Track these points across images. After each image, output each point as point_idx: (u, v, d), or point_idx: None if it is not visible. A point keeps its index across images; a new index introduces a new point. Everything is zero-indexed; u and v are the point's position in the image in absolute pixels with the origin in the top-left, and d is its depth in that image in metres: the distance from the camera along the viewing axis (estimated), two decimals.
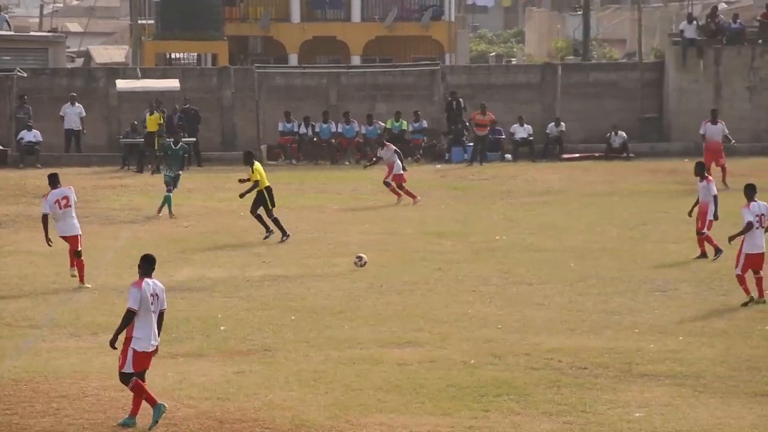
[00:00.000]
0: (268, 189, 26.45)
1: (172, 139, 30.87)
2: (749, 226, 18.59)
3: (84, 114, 41.42)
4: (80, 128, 41.45)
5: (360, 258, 22.45)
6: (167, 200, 29.39)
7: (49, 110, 41.91)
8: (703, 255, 22.44)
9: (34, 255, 24.10)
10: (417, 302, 19.66)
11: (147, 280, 13.69)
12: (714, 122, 34.71)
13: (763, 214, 18.79)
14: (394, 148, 32.34)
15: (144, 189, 34.52)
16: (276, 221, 26.16)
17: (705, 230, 22.34)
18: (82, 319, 18.49)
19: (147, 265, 13.83)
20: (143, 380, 13.34)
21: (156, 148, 38.31)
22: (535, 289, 20.52)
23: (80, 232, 21.50)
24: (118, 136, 41.17)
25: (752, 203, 18.85)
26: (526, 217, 29.01)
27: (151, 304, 13.53)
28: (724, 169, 33.44)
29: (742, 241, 18.68)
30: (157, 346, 13.58)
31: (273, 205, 26.28)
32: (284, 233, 25.98)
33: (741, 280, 18.65)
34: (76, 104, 41.43)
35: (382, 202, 32.11)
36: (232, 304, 19.65)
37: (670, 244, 24.08)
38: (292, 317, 18.57)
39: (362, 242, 25.44)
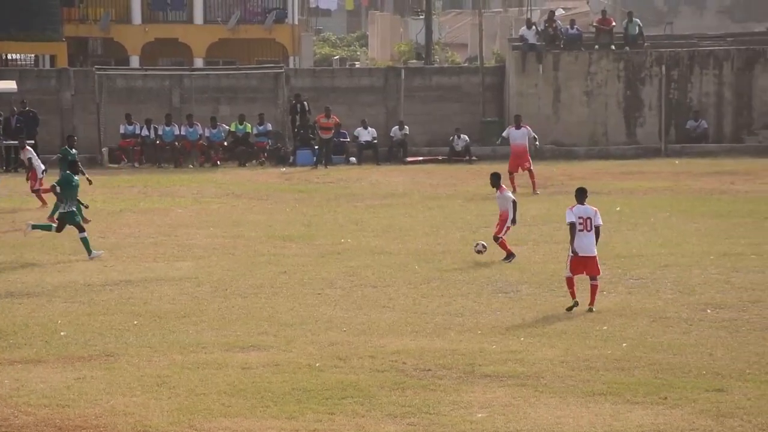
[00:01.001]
0: None
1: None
2: (571, 227, 18.92)
3: None
4: None
5: (480, 246, 23.12)
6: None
7: None
8: (510, 255, 23.01)
9: None
10: (262, 305, 19.59)
11: None
12: (518, 127, 35.31)
13: (589, 218, 19.07)
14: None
15: None
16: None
17: (501, 235, 23.06)
18: None
19: None
20: None
21: None
22: (380, 292, 20.62)
23: None
24: None
25: (577, 206, 19.18)
26: (371, 220, 29.16)
27: None
28: (531, 174, 34.15)
29: (571, 244, 19.01)
30: None
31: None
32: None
33: (569, 283, 18.95)
34: None
35: (227, 206, 31.93)
36: (73, 309, 19.31)
37: (512, 246, 24.44)
38: (135, 322, 18.33)
39: (207, 245, 25.25)
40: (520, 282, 21.16)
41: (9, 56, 54.24)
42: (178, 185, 35.62)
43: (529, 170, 34.20)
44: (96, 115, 42.50)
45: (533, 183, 33.97)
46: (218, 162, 41.69)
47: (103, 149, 41.77)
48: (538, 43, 45.01)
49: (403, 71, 46.02)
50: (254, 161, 41.99)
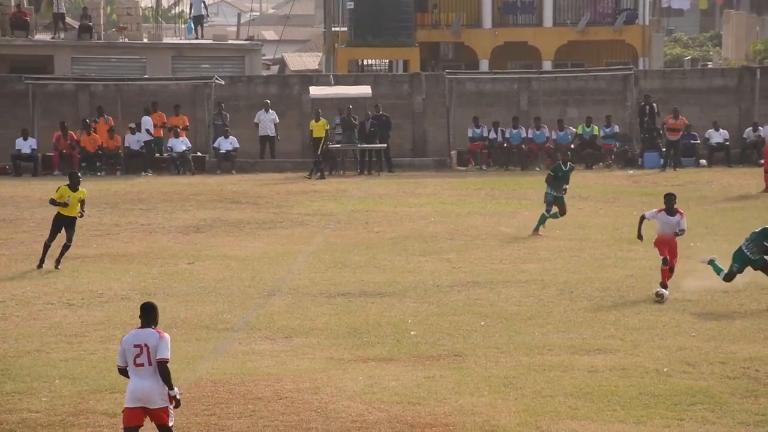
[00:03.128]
0: None
1: (562, 161, 28.25)
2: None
3: (278, 120, 42.20)
4: (274, 134, 42.25)
5: (661, 296, 20.02)
6: (543, 219, 27.56)
7: (245, 117, 42.85)
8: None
9: (231, 259, 24.65)
10: (608, 309, 19.44)
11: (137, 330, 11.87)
12: None
13: None
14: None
15: (336, 195, 34.99)
16: None
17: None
18: (277, 323, 18.83)
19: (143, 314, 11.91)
20: None
21: (319, 153, 38.97)
22: (731, 297, 20.06)
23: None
24: (329, 142, 41.57)
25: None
26: (722, 224, 28.37)
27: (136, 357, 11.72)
28: None
29: None
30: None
31: None
32: None
33: None
34: (270, 111, 42.24)
35: (573, 209, 31.85)
36: (423, 309, 19.74)
37: None
38: (482, 323, 18.56)
39: (553, 248, 25.28)
40: None
41: (365, 62, 56.02)
42: (525, 188, 35.82)
43: None
44: (446, 118, 43.29)
45: None
46: None
47: (452, 152, 42.47)
48: None
49: (758, 71, 44.56)
50: (601, 164, 41.69)
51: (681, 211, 20.99)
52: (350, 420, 13.71)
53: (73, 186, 23.77)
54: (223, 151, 41.61)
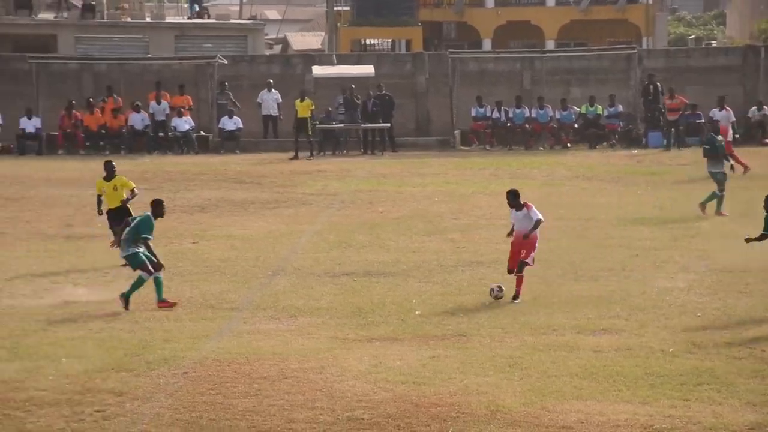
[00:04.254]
0: None
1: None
2: None
3: (281, 100, 42.13)
4: (277, 114, 42.20)
5: (496, 290, 18.69)
6: (713, 197, 26.71)
7: (248, 97, 42.79)
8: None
9: (235, 239, 24.66)
10: (613, 289, 19.44)
11: None
12: None
13: None
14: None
15: (339, 174, 34.97)
16: None
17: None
18: (281, 303, 18.84)
19: None
20: None
21: (310, 133, 38.87)
22: (737, 277, 20.05)
23: None
24: (314, 122, 41.63)
25: None
26: (728, 202, 28.34)
27: None
28: None
29: None
30: None
31: None
32: None
33: None
34: (273, 90, 42.17)
35: (577, 189, 31.82)
36: (427, 289, 19.75)
37: None
38: (487, 303, 18.56)
39: (557, 228, 25.27)
40: None
41: (368, 41, 55.93)
42: (529, 167, 35.79)
43: None
44: (449, 98, 43.22)
45: None
46: (568, 144, 41.60)
47: (455, 132, 42.43)
48: None
49: (762, 50, 44.46)
50: (605, 143, 41.65)
51: (528, 204, 18.94)
52: (355, 399, 13.73)
53: (108, 176, 22.33)
54: (227, 131, 41.59)
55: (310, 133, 39.28)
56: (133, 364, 15.14)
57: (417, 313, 18.05)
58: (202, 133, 42.15)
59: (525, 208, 18.85)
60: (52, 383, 14.35)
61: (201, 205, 29.35)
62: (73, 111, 41.03)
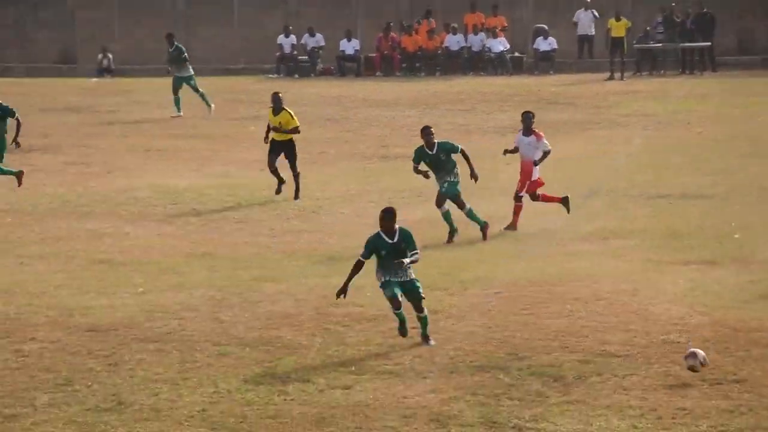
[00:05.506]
0: None
1: None
2: None
3: (598, 17, 41.33)
4: (593, 34, 41.52)
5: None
6: None
7: (563, 17, 42.27)
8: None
9: (548, 160, 24.53)
10: None
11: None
12: None
13: None
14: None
15: (656, 95, 34.24)
16: None
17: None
18: (594, 224, 18.67)
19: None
20: None
21: (624, 52, 37.86)
22: None
23: None
24: (633, 42, 40.70)
25: None
26: None
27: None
28: None
29: None
30: None
31: None
32: None
33: None
34: (590, 9, 41.43)
35: None
36: (747, 212, 19.14)
37: None
38: None
39: None
40: None
41: None
42: None
43: None
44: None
45: None
46: None
47: None
48: None
49: None
50: None
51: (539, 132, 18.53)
52: (671, 323, 13.50)
53: (275, 109, 21.76)
54: (541, 51, 41.32)
55: (624, 52, 38.53)
56: (446, 283, 15.36)
57: (736, 236, 17.54)
58: (517, 54, 42.01)
59: (533, 136, 18.57)
60: (370, 300, 14.71)
61: (514, 127, 29.35)
62: (391, 33, 41.69)
